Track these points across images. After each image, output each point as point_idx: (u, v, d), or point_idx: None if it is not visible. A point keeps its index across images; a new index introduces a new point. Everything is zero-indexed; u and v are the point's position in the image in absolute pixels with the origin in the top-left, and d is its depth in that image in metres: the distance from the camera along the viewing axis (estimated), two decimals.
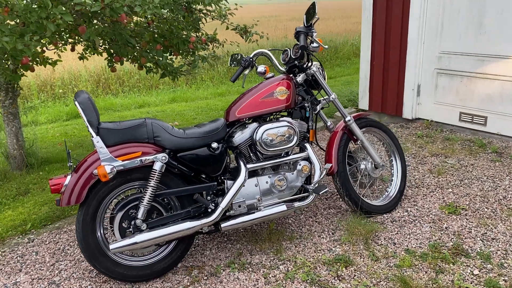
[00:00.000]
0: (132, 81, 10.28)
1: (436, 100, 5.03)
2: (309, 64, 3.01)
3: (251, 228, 3.14)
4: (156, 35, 4.61)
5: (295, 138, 2.82)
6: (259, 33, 4.90)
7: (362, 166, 3.23)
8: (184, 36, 4.65)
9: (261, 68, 3.03)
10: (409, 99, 5.21)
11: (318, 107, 3.07)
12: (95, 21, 3.99)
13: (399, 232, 3.00)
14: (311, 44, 2.90)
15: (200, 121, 6.99)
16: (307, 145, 2.96)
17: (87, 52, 5.15)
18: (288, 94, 2.86)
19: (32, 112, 8.50)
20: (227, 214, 2.69)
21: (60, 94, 9.54)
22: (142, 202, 2.49)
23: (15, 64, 3.85)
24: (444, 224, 3.06)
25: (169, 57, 4.77)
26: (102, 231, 2.53)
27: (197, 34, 5.02)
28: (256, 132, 2.73)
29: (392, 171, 3.44)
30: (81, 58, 5.25)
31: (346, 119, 3.11)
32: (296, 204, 2.83)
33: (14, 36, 3.24)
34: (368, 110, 5.72)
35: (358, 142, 3.17)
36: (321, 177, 2.89)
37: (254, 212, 2.73)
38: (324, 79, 3.09)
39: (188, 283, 2.59)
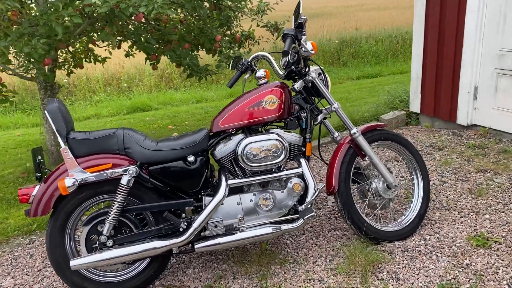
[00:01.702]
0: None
1: (496, 105, 4.36)
2: (307, 69, 2.68)
3: (244, 246, 2.90)
4: (185, 34, 4.49)
5: (284, 153, 2.52)
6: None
7: (374, 185, 2.83)
8: (211, 34, 4.48)
9: (260, 73, 2.76)
10: (464, 103, 4.58)
11: (320, 117, 2.73)
12: (119, 22, 3.96)
13: (407, 266, 2.58)
14: (302, 49, 2.56)
15: None
16: (302, 160, 2.64)
17: (132, 49, 5.18)
18: (279, 104, 2.56)
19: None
20: (202, 234, 2.48)
21: (125, 88, 9.89)
22: (108, 218, 2.36)
23: (38, 64, 3.92)
24: (466, 259, 2.58)
25: (195, 55, 4.63)
26: (72, 244, 2.45)
27: (230, 31, 4.83)
28: (239, 145, 2.48)
29: (413, 191, 2.99)
30: (127, 55, 5.30)
31: (351, 132, 2.73)
32: (284, 226, 2.54)
33: (23, 39, 3.28)
34: (419, 114, 5.15)
35: (366, 158, 2.77)
36: (313, 198, 2.56)
37: (233, 233, 2.49)
38: (327, 86, 2.74)
39: None
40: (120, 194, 2.35)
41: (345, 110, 6.47)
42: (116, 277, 2.50)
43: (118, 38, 4.49)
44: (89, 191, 2.40)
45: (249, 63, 2.82)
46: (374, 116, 5.36)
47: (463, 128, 4.68)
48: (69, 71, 5.75)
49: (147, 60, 4.91)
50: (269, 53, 2.82)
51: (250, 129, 2.62)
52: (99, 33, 3.77)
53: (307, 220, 2.52)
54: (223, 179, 2.50)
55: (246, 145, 2.47)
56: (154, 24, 4.70)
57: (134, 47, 5.05)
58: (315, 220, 3.15)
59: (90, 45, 4.97)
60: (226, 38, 4.93)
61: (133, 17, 3.70)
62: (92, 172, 2.35)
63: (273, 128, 2.66)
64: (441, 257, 2.63)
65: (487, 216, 3.02)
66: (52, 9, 3.30)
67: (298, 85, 2.70)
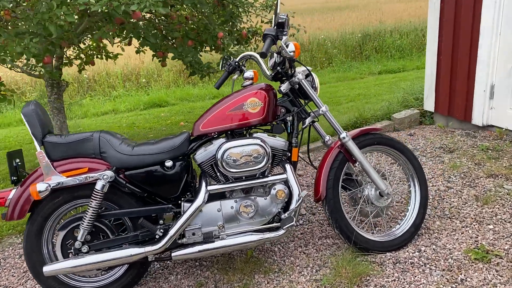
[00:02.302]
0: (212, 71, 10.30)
1: None
2: (292, 71, 2.55)
3: (229, 252, 2.81)
4: (189, 31, 4.42)
5: (266, 159, 2.40)
6: (295, 27, 4.42)
7: (365, 193, 2.69)
8: (213, 31, 4.38)
9: (248, 74, 2.65)
10: (480, 102, 4.32)
11: (308, 121, 2.60)
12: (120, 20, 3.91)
13: (397, 279, 2.44)
14: (283, 50, 2.43)
15: None
16: (288, 166, 2.52)
17: (141, 46, 5.16)
18: (262, 107, 2.45)
19: (74, 107, 8.85)
20: (180, 241, 2.40)
21: (143, 84, 9.94)
22: (83, 223, 2.31)
23: (37, 62, 3.92)
24: (461, 274, 2.42)
25: (199, 52, 4.55)
26: (50, 249, 2.42)
27: (236, 28, 4.72)
28: (219, 150, 2.38)
29: (410, 199, 2.82)
30: (138, 52, 5.28)
31: (341, 136, 2.59)
32: (267, 235, 2.43)
33: (16, 39, 3.27)
34: (434, 113, 4.92)
35: (357, 164, 2.63)
36: (296, 206, 2.44)
37: (213, 241, 2.40)
38: (315, 88, 2.60)
39: None
40: (95, 200, 2.30)
41: (360, 107, 6.29)
42: (94, 282, 2.47)
43: (120, 35, 4.45)
44: (66, 195, 2.36)
45: (236, 63, 2.71)
46: (386, 115, 5.16)
47: (478, 129, 4.43)
48: (81, 68, 5.79)
49: (154, 57, 4.87)
50: (257, 53, 2.70)
51: (233, 133, 2.51)
52: (96, 31, 3.73)
53: (289, 230, 2.40)
54: (203, 184, 2.42)
55: (226, 150, 2.37)
56: (158, 21, 4.65)
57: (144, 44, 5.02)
58: (307, 226, 3.03)
59: (104, 42, 4.97)
60: (232, 34, 4.83)
61: (130, 15, 3.64)
62: (68, 176, 2.31)
63: (257, 132, 2.54)
64: (435, 271, 2.46)
65: (491, 226, 2.83)
66: (46, 8, 3.27)
67: (284, 87, 2.58)
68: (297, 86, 2.57)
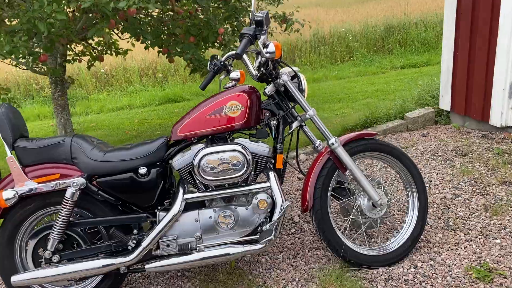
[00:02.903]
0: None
1: None
2: (276, 72, 2.38)
3: None
4: (190, 27, 4.28)
5: (246, 166, 2.25)
6: (299, 21, 4.22)
7: (358, 202, 2.50)
8: (214, 27, 4.23)
9: (234, 74, 2.47)
10: (499, 102, 4.03)
11: (294, 125, 2.42)
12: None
13: None
14: (264, 49, 2.25)
15: None
16: (271, 173, 2.35)
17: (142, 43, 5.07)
18: (243, 110, 2.28)
19: (79, 102, 8.84)
20: (154, 253, 2.28)
21: (160, 79, 9.90)
22: (53, 232, 2.22)
23: (33, 61, 3.87)
24: None
25: (201, 49, 4.41)
26: (24, 256, 2.34)
27: (241, 23, 4.55)
28: (195, 156, 2.24)
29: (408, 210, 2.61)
30: (147, 47, 5.20)
31: (329, 142, 2.41)
32: (247, 247, 2.28)
33: (6, 37, 3.21)
34: (450, 112, 4.64)
35: (347, 173, 2.44)
36: (278, 217, 2.28)
37: (189, 253, 2.27)
38: (302, 90, 2.42)
39: None
40: (64, 208, 2.20)
41: (376, 104, 6.03)
42: None
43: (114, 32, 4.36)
44: (38, 202, 2.28)
45: (222, 63, 2.54)
46: (399, 114, 4.90)
47: (496, 130, 4.14)
48: (89, 64, 5.75)
49: (160, 53, 4.77)
50: (234, 53, 2.53)
51: (214, 138, 2.36)
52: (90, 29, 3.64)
53: (267, 244, 2.24)
54: (180, 192, 2.28)
55: (203, 157, 2.22)
56: (165, 17, 4.54)
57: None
58: (298, 235, 2.86)
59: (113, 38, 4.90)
60: (238, 29, 4.67)
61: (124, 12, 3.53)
62: (39, 183, 2.21)
63: (240, 137, 2.38)
64: None
65: (498, 240, 2.59)
66: (37, 6, 3.19)
67: (269, 89, 2.41)
68: (283, 88, 2.39)
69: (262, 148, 2.34)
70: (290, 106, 2.41)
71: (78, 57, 5.53)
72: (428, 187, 3.28)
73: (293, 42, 10.84)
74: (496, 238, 2.61)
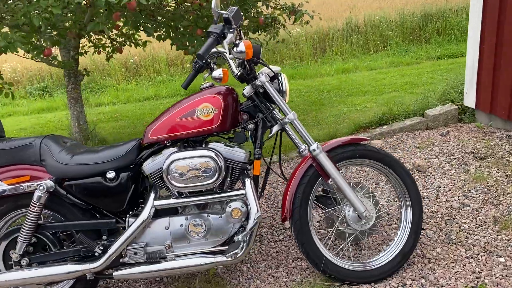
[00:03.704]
0: None
1: None
2: (252, 72, 2.21)
3: None
4: (198, 19, 4.16)
5: (217, 173, 2.12)
6: (308, 13, 4.00)
7: (344, 213, 2.31)
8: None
9: (216, 73, 2.30)
10: None
11: (274, 129, 2.25)
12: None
13: None
14: (234, 49, 2.09)
15: (294, 104, 6.38)
16: (247, 181, 2.21)
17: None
18: (216, 114, 2.15)
19: (119, 92, 8.89)
20: (121, 260, 2.20)
21: (188, 69, 9.87)
22: (21, 235, 2.18)
23: (37, 55, 3.87)
24: None
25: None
26: None
27: (252, 14, 4.39)
28: (164, 162, 2.13)
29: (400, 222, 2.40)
30: (159, 39, 5.16)
31: (311, 148, 2.23)
32: (218, 258, 2.16)
33: (2, 33, 3.21)
34: (475, 109, 4.30)
35: (330, 181, 2.25)
36: (251, 227, 2.14)
37: (158, 262, 2.18)
38: (282, 92, 2.25)
39: None
40: (32, 211, 2.15)
41: (401, 98, 5.72)
42: None
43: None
44: (10, 204, 2.25)
45: (204, 61, 2.41)
46: (420, 110, 4.60)
47: None
48: (108, 55, 5.77)
49: (172, 46, 4.69)
50: (195, 54, 2.38)
51: (189, 141, 2.24)
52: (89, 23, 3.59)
53: (233, 257, 2.11)
54: (151, 198, 2.19)
55: (172, 162, 2.11)
56: (175, 8, 4.45)
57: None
58: (286, 243, 2.71)
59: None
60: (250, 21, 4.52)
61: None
62: (9, 184, 2.18)
63: (214, 142, 2.25)
64: None
65: (502, 259, 2.34)
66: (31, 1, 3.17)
67: (247, 90, 2.25)
68: (262, 89, 2.23)
69: (238, 153, 2.20)
70: (270, 109, 2.25)
71: (97, 49, 5.56)
72: (435, 195, 3.03)
73: (325, 31, 10.52)
74: (500, 256, 2.36)
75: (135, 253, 2.18)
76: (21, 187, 2.16)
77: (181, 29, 4.12)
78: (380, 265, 2.30)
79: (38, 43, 3.96)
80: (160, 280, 2.53)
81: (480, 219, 2.70)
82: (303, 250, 2.25)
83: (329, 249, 2.37)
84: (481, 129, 4.03)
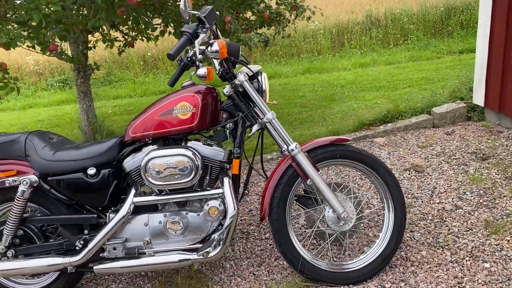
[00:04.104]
0: (272, 50, 9.96)
1: None
2: (230, 71, 2.21)
3: None
4: None
5: (194, 172, 2.13)
6: (310, 8, 3.95)
7: (324, 213, 2.30)
8: (232, 13, 4.09)
9: (200, 71, 2.28)
10: None
11: (254, 129, 2.25)
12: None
13: None
14: (207, 48, 2.09)
15: (305, 99, 6.34)
16: (226, 180, 2.22)
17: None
18: (194, 112, 2.16)
19: (136, 85, 8.99)
20: (101, 255, 2.25)
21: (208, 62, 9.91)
22: (6, 227, 2.26)
23: (42, 50, 3.95)
24: None
25: None
26: None
27: (257, 10, 4.37)
28: (142, 160, 2.16)
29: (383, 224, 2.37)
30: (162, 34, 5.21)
31: (289, 148, 2.21)
32: (194, 256, 2.18)
33: (4, 29, 3.30)
34: (484, 108, 4.17)
35: (308, 181, 2.24)
36: (226, 226, 2.15)
37: (137, 258, 2.22)
38: (261, 91, 2.24)
39: None
40: (16, 205, 2.22)
41: (414, 94, 5.60)
42: (28, 284, 2.43)
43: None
44: (1, 196, 2.32)
45: (188, 59, 2.41)
46: (427, 108, 4.49)
47: None
48: (120, 50, 5.86)
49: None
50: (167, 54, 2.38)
51: (169, 139, 2.27)
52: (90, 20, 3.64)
53: (204, 256, 2.13)
54: (131, 195, 2.23)
55: (149, 160, 2.14)
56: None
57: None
58: (272, 241, 2.71)
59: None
60: (259, 15, 4.49)
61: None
62: None
63: (194, 140, 2.26)
64: None
65: (488, 264, 2.28)
66: None
67: (226, 89, 2.26)
68: (242, 88, 2.23)
69: (216, 152, 2.22)
70: (249, 108, 2.24)
71: (109, 44, 5.65)
72: (429, 196, 2.97)
73: (344, 24, 10.37)
74: (486, 262, 2.30)
75: (114, 248, 2.22)
76: (7, 182, 2.23)
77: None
78: (359, 267, 2.28)
79: (44, 38, 4.04)
80: (145, 275, 2.58)
81: (471, 222, 2.63)
82: (280, 250, 2.25)
83: (310, 249, 2.36)
84: (488, 128, 3.91)
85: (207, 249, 2.12)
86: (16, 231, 2.28)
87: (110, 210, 2.28)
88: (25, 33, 3.78)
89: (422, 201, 2.92)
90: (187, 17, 2.07)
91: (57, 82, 9.56)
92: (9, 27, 3.47)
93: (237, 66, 2.32)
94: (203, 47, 2.08)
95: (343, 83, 7.29)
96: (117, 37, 5.87)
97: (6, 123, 7.24)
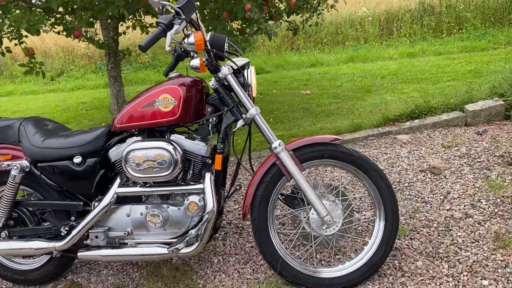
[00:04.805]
0: (317, 37, 9.71)
1: None
2: (214, 64, 2.14)
3: None
4: (224, 3, 4.12)
5: (172, 166, 2.10)
6: None
7: (309, 215, 2.19)
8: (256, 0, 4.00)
9: (194, 62, 2.24)
10: None
11: (239, 124, 2.17)
12: None
13: None
14: (185, 40, 2.01)
15: (340, 90, 6.16)
16: (207, 175, 2.16)
17: None
18: (175, 105, 2.11)
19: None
20: (85, 242, 2.28)
21: (246, 50, 9.85)
22: (1, 210, 2.35)
23: (67, 36, 4.06)
24: None
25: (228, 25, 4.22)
26: None
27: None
28: (124, 150, 2.16)
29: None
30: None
31: (272, 146, 2.12)
32: (180, 245, 2.15)
33: (26, 14, 3.40)
34: None
35: (291, 181, 2.13)
36: (202, 222, 2.10)
37: (119, 247, 2.24)
38: (247, 85, 2.15)
39: None
40: (8, 189, 2.30)
41: (458, 88, 5.24)
42: (22, 265, 2.53)
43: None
44: None
45: (182, 49, 2.37)
46: (462, 104, 4.19)
47: None
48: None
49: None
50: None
51: (154, 131, 2.25)
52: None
53: (174, 252, 2.10)
54: (115, 185, 2.23)
55: (129, 152, 2.13)
56: None
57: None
58: None
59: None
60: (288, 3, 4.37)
61: None
62: None
63: (176, 133, 2.22)
64: None
65: (486, 282, 2.09)
66: None
67: (212, 82, 2.19)
68: (227, 82, 2.15)
69: (198, 147, 2.17)
70: (234, 103, 2.16)
71: (146, 29, 5.75)
72: (440, 201, 2.77)
73: (394, 11, 9.91)
74: (485, 278, 2.10)
75: (96, 237, 2.25)
76: (2, 165, 2.31)
77: (206, 11, 4.09)
78: (343, 274, 2.16)
79: (71, 24, 4.15)
80: (136, 263, 2.61)
81: (479, 233, 2.42)
82: (260, 250, 2.19)
83: (296, 251, 2.27)
84: None
85: (178, 245, 2.09)
86: (9, 214, 2.37)
87: (96, 199, 2.31)
88: (52, 20, 3.91)
89: (431, 207, 2.73)
90: (159, 8, 2.01)
91: (104, 65, 9.87)
92: (36, 13, 3.58)
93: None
94: (184, 40, 2.02)
95: (385, 74, 6.98)
96: (153, 23, 5.94)
97: (53, 104, 7.61)
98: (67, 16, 4.12)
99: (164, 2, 1.98)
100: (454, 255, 2.29)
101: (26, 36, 3.81)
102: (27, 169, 2.29)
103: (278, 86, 7.02)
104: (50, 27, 4.04)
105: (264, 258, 2.19)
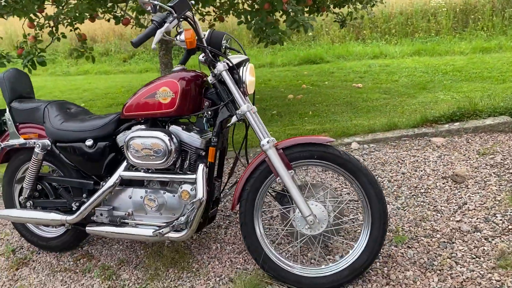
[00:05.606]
0: (385, 27, 9.35)
1: None
2: (209, 60, 2.20)
3: None
4: None
5: (167, 156, 2.22)
6: None
7: (295, 213, 2.22)
8: None
9: (181, 37, 2.29)
10: None
11: (233, 120, 2.23)
12: None
13: None
14: (177, 37, 2.08)
15: (394, 85, 5.96)
16: (200, 166, 2.26)
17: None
18: (173, 98, 2.22)
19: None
20: (92, 218, 2.49)
21: (309, 38, 9.77)
22: (26, 182, 2.63)
23: (116, 23, 4.31)
24: None
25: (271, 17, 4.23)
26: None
27: None
28: (127, 137, 2.32)
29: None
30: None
31: (261, 143, 2.16)
32: (165, 230, 2.29)
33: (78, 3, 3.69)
34: None
35: (278, 179, 2.16)
36: (190, 210, 2.21)
37: (120, 226, 2.42)
38: (241, 82, 2.19)
39: (57, 268, 2.64)
40: (32, 164, 2.57)
41: (491, 89, 4.87)
42: (46, 232, 2.81)
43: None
44: (26, 154, 2.70)
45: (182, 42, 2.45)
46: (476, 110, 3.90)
47: None
48: (210, 23, 6.14)
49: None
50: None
51: (157, 121, 2.38)
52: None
53: (158, 236, 2.22)
54: (120, 168, 2.42)
55: (131, 139, 2.29)
56: None
57: None
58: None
59: None
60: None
61: None
62: (25, 139, 2.63)
63: (174, 124, 2.34)
64: None
65: None
66: None
67: (210, 77, 2.27)
68: (222, 78, 2.22)
69: (193, 138, 2.27)
70: (229, 98, 2.23)
71: (202, 17, 5.95)
72: (452, 211, 2.64)
73: (472, 2, 9.25)
74: None
75: (101, 214, 2.45)
76: (29, 143, 2.58)
77: (248, 3, 4.15)
78: (324, 274, 2.17)
79: (120, 13, 4.41)
80: (144, 242, 2.79)
81: (483, 249, 2.29)
82: (245, 243, 2.25)
83: (283, 248, 2.30)
84: None
85: (162, 230, 2.21)
86: (34, 186, 2.65)
87: (106, 180, 2.50)
88: (103, 8, 4.18)
89: (441, 216, 2.61)
90: (151, 7, 2.09)
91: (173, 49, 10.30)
92: (84, 3, 3.86)
93: (229, 53, 2.32)
94: (176, 37, 2.11)
95: (448, 70, 6.62)
96: (209, 11, 6.13)
97: (119, 84, 8.12)
98: (118, 5, 4.38)
99: (155, 2, 2.07)
100: (448, 269, 2.20)
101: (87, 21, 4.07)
102: (48, 148, 2.54)
103: (333, 78, 6.92)
104: (103, 15, 4.33)
105: (248, 250, 2.26)
